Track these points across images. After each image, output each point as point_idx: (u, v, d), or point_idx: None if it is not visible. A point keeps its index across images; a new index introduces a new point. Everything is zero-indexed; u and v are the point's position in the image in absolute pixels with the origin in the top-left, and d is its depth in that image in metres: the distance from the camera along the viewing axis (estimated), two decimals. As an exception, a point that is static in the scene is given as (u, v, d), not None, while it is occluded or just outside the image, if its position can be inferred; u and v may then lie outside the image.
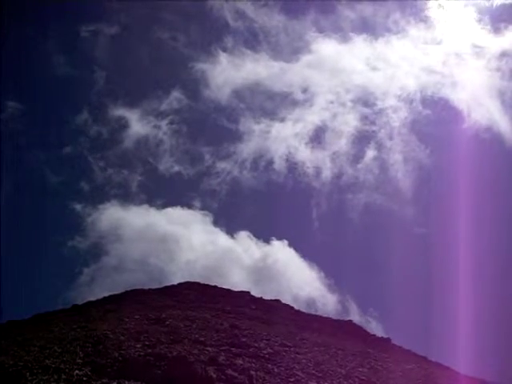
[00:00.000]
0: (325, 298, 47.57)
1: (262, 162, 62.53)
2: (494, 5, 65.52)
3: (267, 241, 55.04)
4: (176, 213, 59.07)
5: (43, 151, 67.94)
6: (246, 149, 63.01)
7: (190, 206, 60.10)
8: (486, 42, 63.58)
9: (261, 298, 25.51)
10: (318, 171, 61.03)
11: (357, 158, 62.49)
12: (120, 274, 50.00)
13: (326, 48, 67.26)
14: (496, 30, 63.63)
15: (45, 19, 69.04)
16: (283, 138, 63.46)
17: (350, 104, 64.22)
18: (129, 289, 25.90)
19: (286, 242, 54.00)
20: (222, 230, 57.90)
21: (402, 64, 66.85)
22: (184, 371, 11.70)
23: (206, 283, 27.26)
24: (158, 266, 49.39)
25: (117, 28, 66.95)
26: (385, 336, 21.78)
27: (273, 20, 68.06)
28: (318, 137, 63.37)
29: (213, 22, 69.55)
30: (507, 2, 63.69)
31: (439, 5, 67.50)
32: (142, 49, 72.94)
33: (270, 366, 13.13)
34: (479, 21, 65.66)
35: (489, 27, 64.39)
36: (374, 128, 63.33)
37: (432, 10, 67.72)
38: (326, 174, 61.19)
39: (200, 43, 71.23)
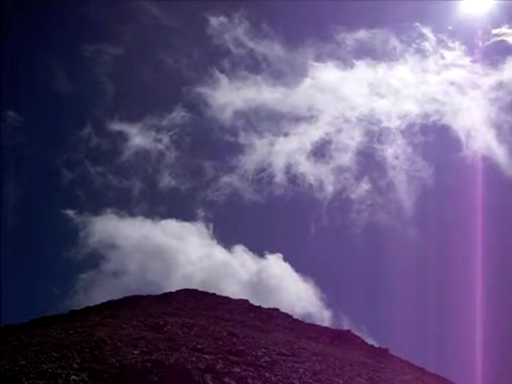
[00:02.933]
0: (321, 314, 47.39)
1: (263, 176, 62.68)
2: (481, 42, 66.63)
3: (264, 255, 54.99)
4: (173, 226, 58.98)
5: (41, 162, 68.33)
6: (248, 162, 63.14)
7: (187, 219, 60.07)
8: (481, 74, 64.56)
9: (259, 306, 25.45)
10: (320, 186, 61.23)
11: (359, 173, 62.86)
12: (118, 280, 49.96)
13: (328, 74, 67.97)
14: (489, 64, 64.64)
15: (49, 37, 70.27)
16: (286, 152, 63.65)
17: (354, 121, 64.67)
18: (127, 295, 25.91)
19: (281, 256, 53.95)
20: (219, 243, 57.79)
21: (403, 91, 67.48)
22: (181, 378, 11.66)
23: (205, 291, 27.25)
24: (153, 280, 49.20)
25: (121, 49, 67.83)
26: (383, 346, 21.73)
27: (273, 50, 68.82)
28: (321, 151, 63.63)
29: (214, 49, 70.38)
30: (497, 39, 64.59)
31: (433, 37, 68.05)
32: (145, 69, 73.93)
33: (267, 374, 13.08)
34: (471, 54, 66.66)
35: (482, 61, 65.44)
36: (378, 147, 63.78)
37: (427, 41, 68.27)
38: (329, 188, 61.38)
39: (202, 67, 72.05)
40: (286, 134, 65.78)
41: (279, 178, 62.55)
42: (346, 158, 63.31)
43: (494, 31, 65.29)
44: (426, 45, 68.32)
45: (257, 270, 54.80)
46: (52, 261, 60.24)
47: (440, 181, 63.25)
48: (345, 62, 68.59)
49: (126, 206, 67.46)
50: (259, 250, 56.59)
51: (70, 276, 54.10)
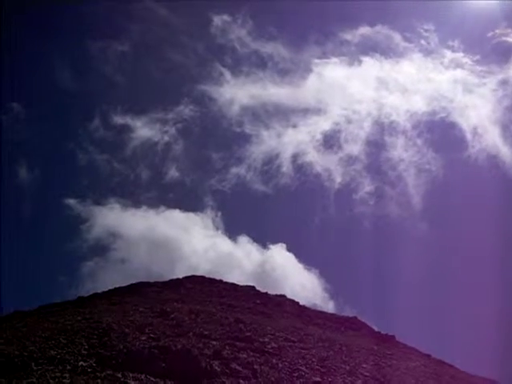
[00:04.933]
0: (325, 304, 47.36)
1: (271, 166, 62.51)
2: (483, 41, 66.24)
3: (269, 245, 54.96)
4: (178, 216, 58.83)
5: (47, 153, 68.72)
6: (256, 153, 62.94)
7: (192, 210, 60.01)
8: (485, 73, 64.27)
9: (266, 292, 25.50)
10: (329, 176, 61.10)
11: (368, 165, 62.78)
12: (123, 270, 50.12)
13: (334, 71, 67.97)
14: (493, 63, 64.38)
15: (57, 33, 70.66)
16: (295, 143, 63.44)
17: (363, 114, 64.55)
18: (134, 282, 26.01)
19: (285, 246, 53.88)
20: (224, 234, 57.72)
21: (409, 87, 67.20)
22: (188, 364, 11.72)
23: (212, 277, 27.32)
24: (158, 271, 49.13)
25: (127, 46, 67.94)
26: (389, 333, 21.74)
27: (277, 48, 68.69)
28: (330, 143, 63.49)
29: (219, 47, 70.30)
30: (500, 39, 64.06)
31: (435, 35, 67.55)
32: (151, 66, 74.03)
33: (274, 360, 13.13)
34: (474, 53, 66.33)
35: (485, 60, 65.19)
36: (387, 140, 63.74)
37: (429, 39, 67.72)
38: (337, 178, 61.27)
39: (207, 64, 71.96)
40: (294, 126, 65.60)
41: (288, 168, 62.43)
42: (355, 150, 63.21)
43: (497, 30, 64.88)
44: (429, 42, 67.89)
45: (261, 260, 54.75)
46: (57, 250, 60.65)
47: (448, 175, 63.28)
48: (350, 59, 68.35)
49: (130, 196, 67.84)
50: (264, 241, 56.57)
51: (74, 265, 54.42)
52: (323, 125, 64.18)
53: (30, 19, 67.47)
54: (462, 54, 66.41)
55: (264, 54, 68.69)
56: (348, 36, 67.51)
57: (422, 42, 67.59)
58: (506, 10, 64.18)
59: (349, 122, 64.41)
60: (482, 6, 66.33)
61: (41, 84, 72.54)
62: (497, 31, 64.18)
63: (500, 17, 65.68)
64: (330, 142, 63.87)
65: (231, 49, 68.97)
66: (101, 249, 54.34)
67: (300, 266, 52.52)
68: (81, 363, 11.13)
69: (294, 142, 64.04)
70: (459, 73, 66.01)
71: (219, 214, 60.05)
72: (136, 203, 60.99)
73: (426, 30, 67.18)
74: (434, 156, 62.57)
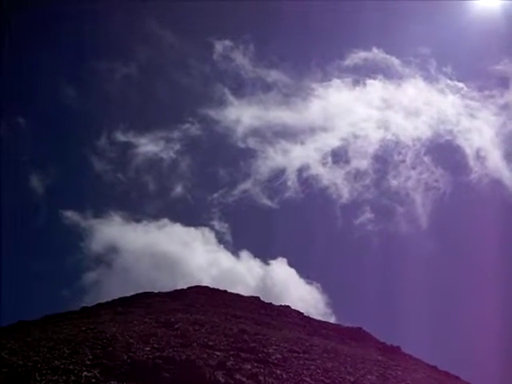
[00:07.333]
0: (328, 319, 47.19)
1: (278, 182, 62.70)
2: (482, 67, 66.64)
3: (269, 261, 54.93)
4: (180, 231, 58.80)
5: (50, 170, 69.30)
6: (262, 167, 63.17)
7: (194, 225, 60.08)
8: (484, 98, 64.72)
9: (270, 303, 25.47)
10: (335, 191, 61.29)
11: (374, 181, 63.07)
12: (129, 277, 50.08)
13: (337, 94, 68.75)
14: (492, 88, 64.93)
15: (62, 53, 71.61)
16: (301, 159, 63.81)
17: (370, 131, 64.97)
18: (139, 292, 26.00)
19: (285, 260, 53.83)
20: (226, 249, 57.66)
21: (410, 111, 67.72)
22: (192, 375, 11.67)
23: (216, 288, 27.30)
24: (160, 286, 48.98)
25: (133, 67, 68.81)
26: (395, 344, 21.63)
27: (281, 78, 69.16)
28: (336, 158, 63.88)
29: (223, 71, 70.96)
30: (498, 66, 64.48)
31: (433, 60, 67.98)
32: (156, 87, 74.92)
33: (278, 371, 13.06)
34: (472, 79, 66.89)
35: (483, 85, 65.75)
36: (395, 158, 64.12)
37: (427, 63, 68.18)
38: (345, 195, 61.47)
39: (212, 87, 72.43)
40: (302, 143, 65.99)
41: (294, 182, 62.66)
42: (362, 165, 63.55)
43: (490, 58, 65.45)
44: (427, 67, 68.39)
45: (263, 275, 54.66)
46: (60, 261, 60.88)
47: (452, 194, 63.62)
48: (353, 81, 68.88)
49: (133, 210, 68.30)
50: (266, 256, 56.58)
51: (78, 276, 54.50)
52: (331, 141, 64.52)
53: (37, 39, 68.57)
54: (459, 81, 67.14)
55: (267, 80, 69.36)
56: (347, 60, 68.27)
57: (421, 66, 68.28)
58: (497, 39, 64.65)
59: (356, 138, 64.72)
60: (475, 35, 66.87)
61: (46, 101, 73.41)
62: (490, 59, 64.83)
63: (493, 45, 66.42)
64: (337, 157, 64.23)
65: (234, 74, 69.68)
66: (103, 261, 54.39)
67: (301, 280, 52.45)
68: (85, 373, 11.09)
69: (301, 157, 64.36)
70: (459, 97, 66.54)
71: (223, 229, 60.06)
72: (138, 217, 61.22)
73: (423, 55, 67.84)
74: (441, 174, 62.94)
